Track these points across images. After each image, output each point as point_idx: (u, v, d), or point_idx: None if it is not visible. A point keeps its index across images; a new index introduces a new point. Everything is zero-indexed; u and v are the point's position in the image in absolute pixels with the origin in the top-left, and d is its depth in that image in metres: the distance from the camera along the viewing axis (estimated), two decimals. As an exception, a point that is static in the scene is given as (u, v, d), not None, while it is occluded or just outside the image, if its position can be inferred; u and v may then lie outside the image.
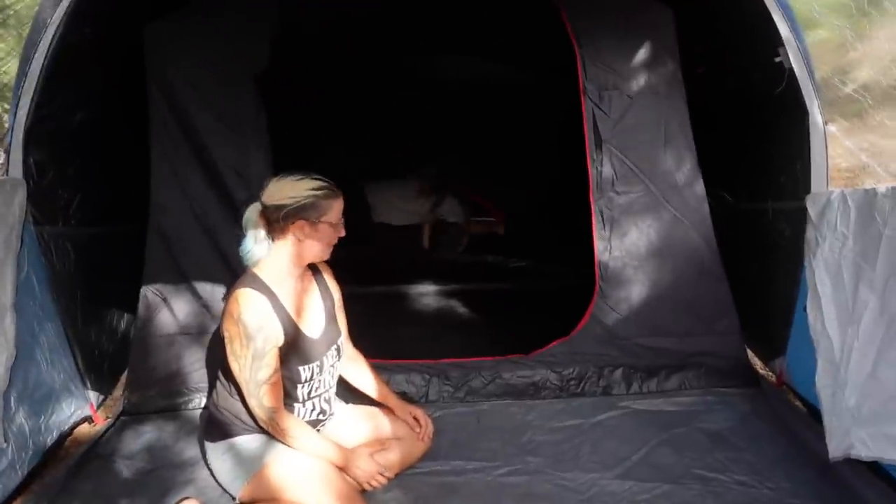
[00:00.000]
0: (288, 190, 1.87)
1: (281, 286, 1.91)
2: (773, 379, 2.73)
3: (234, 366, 1.85)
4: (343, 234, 1.98)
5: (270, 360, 1.84)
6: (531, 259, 4.34)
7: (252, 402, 1.86)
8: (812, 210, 2.28)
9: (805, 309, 2.26)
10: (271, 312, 1.85)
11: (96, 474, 2.18)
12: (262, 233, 1.90)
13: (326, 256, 2.00)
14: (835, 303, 2.11)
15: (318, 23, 3.26)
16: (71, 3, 2.13)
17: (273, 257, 1.92)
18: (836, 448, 2.00)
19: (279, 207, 1.85)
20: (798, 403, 2.53)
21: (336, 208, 1.93)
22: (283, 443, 1.91)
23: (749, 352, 2.85)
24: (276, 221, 1.87)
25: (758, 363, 2.93)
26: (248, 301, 1.82)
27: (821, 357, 2.12)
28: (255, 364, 1.82)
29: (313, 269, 2.10)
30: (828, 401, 2.07)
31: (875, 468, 1.97)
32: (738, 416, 2.47)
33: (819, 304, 2.16)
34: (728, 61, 2.79)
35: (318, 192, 1.88)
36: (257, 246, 1.91)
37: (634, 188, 2.62)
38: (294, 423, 1.91)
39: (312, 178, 1.90)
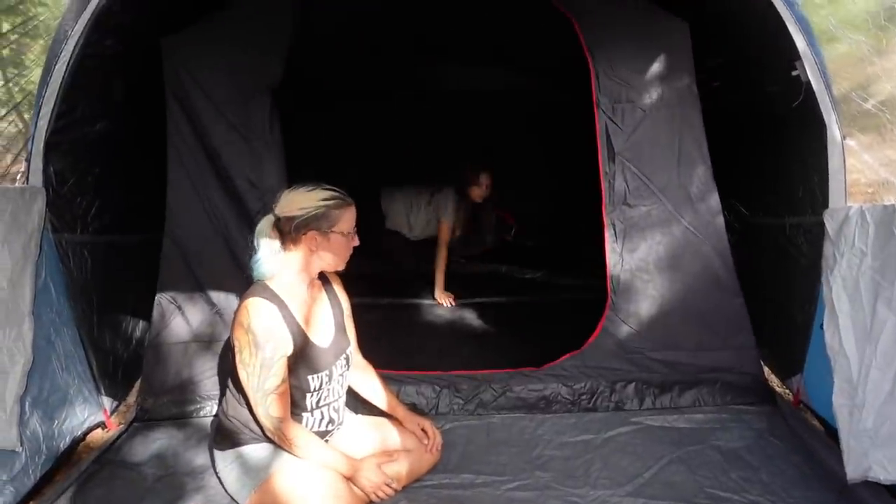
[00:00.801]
0: (300, 201, 1.89)
1: (291, 295, 1.92)
2: (790, 397, 2.68)
3: (243, 374, 1.86)
4: (357, 243, 1.99)
5: (279, 370, 1.85)
6: (543, 271, 4.31)
7: (259, 412, 1.87)
8: (830, 226, 2.24)
9: (821, 326, 2.22)
10: (281, 321, 1.86)
11: (108, 480, 2.20)
12: (276, 245, 1.91)
13: (341, 267, 2.01)
14: (852, 321, 2.06)
15: (334, 34, 3.30)
16: (92, 16, 2.18)
17: (284, 267, 1.93)
18: (853, 470, 1.95)
19: (291, 219, 1.87)
20: (816, 423, 2.48)
21: (347, 218, 1.94)
22: (290, 452, 1.91)
23: (765, 369, 2.80)
24: (288, 233, 1.89)
25: (774, 381, 2.88)
26: (257, 310, 1.83)
27: (838, 376, 2.08)
28: (263, 373, 1.83)
29: (322, 278, 2.11)
30: (845, 421, 2.02)
31: (894, 491, 1.92)
32: (754, 435, 2.43)
33: (836, 322, 2.11)
34: (744, 74, 2.76)
35: (329, 203, 1.89)
36: (271, 258, 1.91)
37: (647, 201, 2.60)
38: (301, 433, 1.91)
39: (324, 189, 1.92)
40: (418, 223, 4.18)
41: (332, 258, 1.97)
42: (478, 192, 3.96)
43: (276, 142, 2.56)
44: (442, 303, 3.83)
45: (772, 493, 2.07)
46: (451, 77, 4.55)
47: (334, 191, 1.93)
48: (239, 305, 1.89)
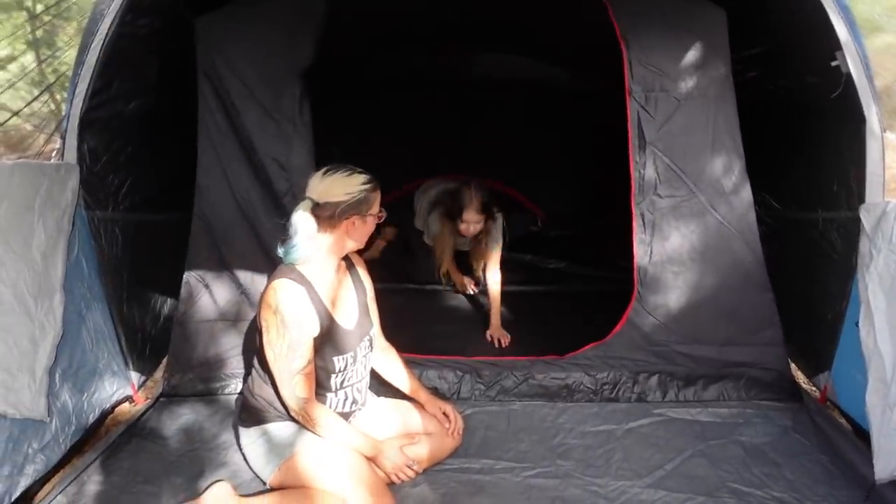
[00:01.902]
0: (342, 186, 1.88)
1: (318, 277, 1.94)
2: (817, 394, 2.64)
3: (269, 354, 1.88)
4: (381, 220, 2.01)
5: (305, 351, 1.86)
6: (569, 260, 4.28)
7: (284, 392, 1.89)
8: (867, 221, 2.19)
9: (857, 324, 2.17)
10: (308, 303, 1.87)
11: (135, 453, 2.25)
12: (313, 229, 1.88)
13: (362, 245, 2.03)
14: (888, 319, 2.02)
15: (364, 19, 3.28)
16: (126, -3, 2.20)
17: (316, 251, 1.93)
18: (882, 469, 1.92)
19: (334, 204, 1.87)
20: (843, 421, 2.44)
21: (378, 200, 1.96)
22: (313, 432, 1.93)
23: (792, 365, 2.76)
24: (328, 217, 1.88)
25: (801, 377, 2.83)
26: (285, 291, 1.85)
27: (872, 375, 2.04)
28: (289, 354, 1.84)
29: (347, 261, 2.12)
30: (877, 420, 1.99)
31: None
32: (779, 431, 2.40)
33: (872, 319, 2.07)
34: (782, 64, 2.69)
35: (368, 187, 1.91)
36: (308, 243, 1.89)
37: (678, 192, 2.56)
38: (324, 413, 1.93)
39: (359, 172, 1.93)
40: (430, 231, 3.72)
41: (360, 239, 1.99)
42: (463, 227, 3.21)
43: (305, 124, 2.57)
44: (466, 290, 3.71)
45: (795, 490, 2.05)
46: (479, 64, 4.51)
47: (366, 173, 1.94)
48: (266, 286, 1.91)
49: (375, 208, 1.96)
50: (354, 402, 2.09)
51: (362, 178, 1.91)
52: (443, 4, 3.28)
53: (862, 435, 2.19)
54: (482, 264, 3.35)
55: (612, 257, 3.80)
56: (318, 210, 1.88)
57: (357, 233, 1.95)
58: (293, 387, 1.87)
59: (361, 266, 2.21)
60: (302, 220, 1.87)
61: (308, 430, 1.94)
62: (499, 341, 3.09)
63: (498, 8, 3.33)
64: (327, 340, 1.93)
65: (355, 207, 1.89)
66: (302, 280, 1.89)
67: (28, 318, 1.99)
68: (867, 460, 2.01)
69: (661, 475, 2.14)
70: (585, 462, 2.21)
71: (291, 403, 1.90)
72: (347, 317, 2.03)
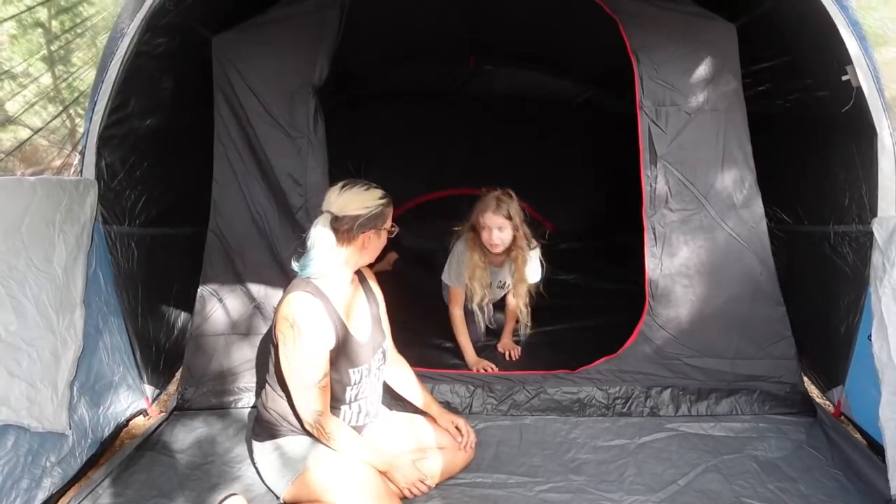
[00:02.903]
0: (361, 200, 1.92)
1: (333, 290, 1.96)
2: (831, 409, 2.62)
3: (286, 367, 1.89)
4: (394, 234, 2.05)
5: (322, 363, 1.88)
6: (580, 274, 4.29)
7: (300, 404, 1.90)
8: (879, 235, 2.18)
9: (869, 338, 2.16)
10: (325, 315, 1.89)
11: (149, 466, 2.26)
12: (332, 243, 1.91)
13: (373, 259, 2.06)
14: (902, 332, 2.01)
15: (377, 35, 3.32)
16: (146, 16, 2.25)
17: (332, 264, 1.96)
18: (898, 484, 1.90)
19: (353, 218, 1.90)
20: (857, 436, 2.42)
21: (391, 215, 2.01)
22: (327, 445, 1.94)
23: (805, 379, 2.75)
24: (347, 231, 1.91)
25: (814, 391, 2.82)
26: (302, 304, 1.87)
27: (885, 389, 2.02)
28: (306, 366, 1.86)
29: (359, 274, 2.15)
30: (892, 434, 1.97)
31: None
32: (793, 445, 2.39)
33: (885, 332, 2.06)
34: (792, 79, 2.70)
35: (384, 201, 1.96)
36: (324, 257, 1.91)
37: (689, 205, 2.56)
38: (338, 427, 1.94)
39: (375, 187, 1.97)
40: (456, 263, 3.08)
41: (373, 253, 2.02)
42: (485, 236, 2.84)
43: (319, 139, 2.60)
44: (479, 369, 2.88)
45: (811, 506, 2.03)
46: (490, 78, 4.55)
47: (380, 188, 1.99)
48: (283, 299, 1.93)
49: (388, 223, 2.00)
50: (367, 414, 2.10)
51: (379, 192, 1.96)
52: (455, 20, 3.32)
53: (877, 449, 2.17)
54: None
55: (622, 270, 3.81)
56: (336, 223, 1.91)
57: (372, 246, 1.98)
58: (309, 399, 1.89)
59: (373, 279, 2.23)
60: (321, 233, 1.90)
61: (322, 443, 1.96)
62: (509, 354, 3.08)
63: (509, 24, 3.37)
64: (343, 353, 1.95)
65: (372, 221, 1.92)
66: (318, 293, 1.91)
67: (51, 332, 2.02)
68: (882, 475, 1.99)
69: (674, 490, 2.12)
70: (598, 477, 2.21)
71: (306, 416, 1.91)
72: (362, 329, 2.05)
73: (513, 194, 2.86)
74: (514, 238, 2.86)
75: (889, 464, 1.95)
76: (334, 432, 1.92)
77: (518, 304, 2.96)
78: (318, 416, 1.90)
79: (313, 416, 1.90)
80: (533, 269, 2.99)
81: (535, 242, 2.97)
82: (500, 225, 2.80)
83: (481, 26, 3.49)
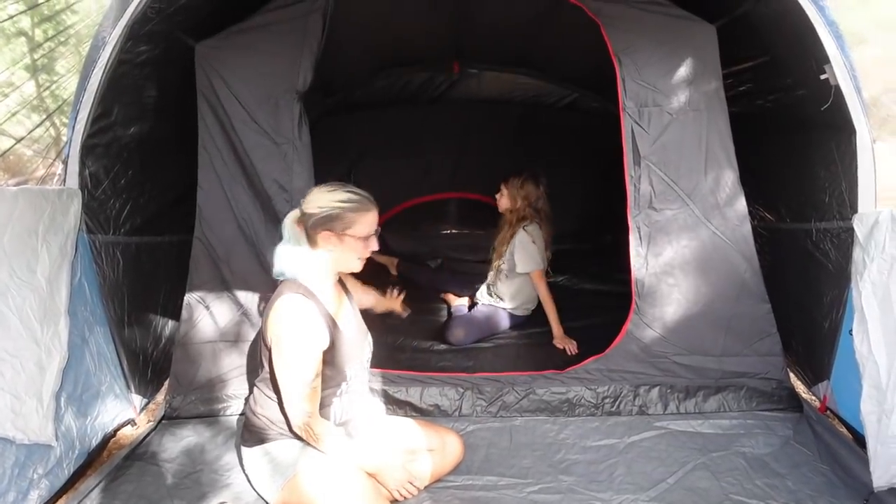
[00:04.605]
0: (320, 199, 1.93)
1: (321, 291, 1.98)
2: (817, 404, 2.65)
3: (279, 368, 1.89)
4: (376, 247, 2.01)
5: (314, 364, 1.89)
6: (568, 275, 4.30)
7: (290, 406, 1.91)
8: (859, 230, 2.22)
9: (850, 332, 2.19)
10: (318, 316, 1.91)
11: (138, 476, 2.25)
12: (301, 239, 1.96)
13: (358, 268, 2.04)
14: (882, 326, 2.04)
15: (361, 41, 3.33)
16: (128, 23, 2.24)
17: (313, 264, 1.96)
18: (880, 477, 1.93)
19: (310, 215, 1.92)
20: (843, 430, 2.44)
21: (364, 222, 1.95)
22: (316, 448, 1.94)
23: (791, 375, 2.77)
24: (308, 229, 1.94)
25: (801, 387, 2.84)
26: (295, 306, 1.88)
27: (866, 382, 2.05)
28: (298, 367, 1.87)
29: (340, 283, 2.17)
30: (873, 427, 2.00)
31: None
32: (780, 441, 2.41)
33: (866, 327, 2.09)
34: (771, 78, 2.73)
35: (345, 205, 1.92)
36: (292, 253, 1.95)
37: (673, 205, 2.58)
38: (327, 429, 1.94)
39: (345, 191, 1.95)
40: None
41: (347, 260, 1.99)
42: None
43: (304, 145, 2.60)
44: (562, 347, 3.16)
45: (798, 501, 2.05)
46: (474, 82, 4.56)
47: (355, 193, 1.96)
48: (273, 302, 1.93)
49: (357, 230, 1.93)
50: (355, 409, 2.11)
51: (343, 195, 1.93)
52: (438, 25, 3.33)
53: (862, 443, 2.19)
54: (497, 265, 3.51)
55: (609, 272, 3.83)
56: (301, 220, 1.95)
57: (338, 251, 1.95)
58: (300, 401, 1.89)
59: (356, 290, 2.30)
60: (286, 226, 1.97)
61: (311, 446, 1.96)
62: (567, 349, 3.14)
63: (492, 28, 3.38)
64: (336, 351, 1.96)
65: (328, 222, 1.91)
66: (308, 294, 1.92)
67: (34, 342, 2.01)
68: (867, 468, 2.01)
69: (664, 488, 2.14)
70: (588, 477, 2.22)
71: (297, 417, 1.91)
72: (350, 327, 2.07)
73: (528, 178, 3.40)
74: (511, 210, 3.42)
75: (871, 456, 1.98)
76: (322, 435, 1.92)
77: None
78: (308, 417, 1.90)
79: (303, 419, 1.89)
80: (515, 246, 3.38)
81: (529, 225, 3.39)
82: (501, 192, 3.46)
83: (464, 31, 3.50)
